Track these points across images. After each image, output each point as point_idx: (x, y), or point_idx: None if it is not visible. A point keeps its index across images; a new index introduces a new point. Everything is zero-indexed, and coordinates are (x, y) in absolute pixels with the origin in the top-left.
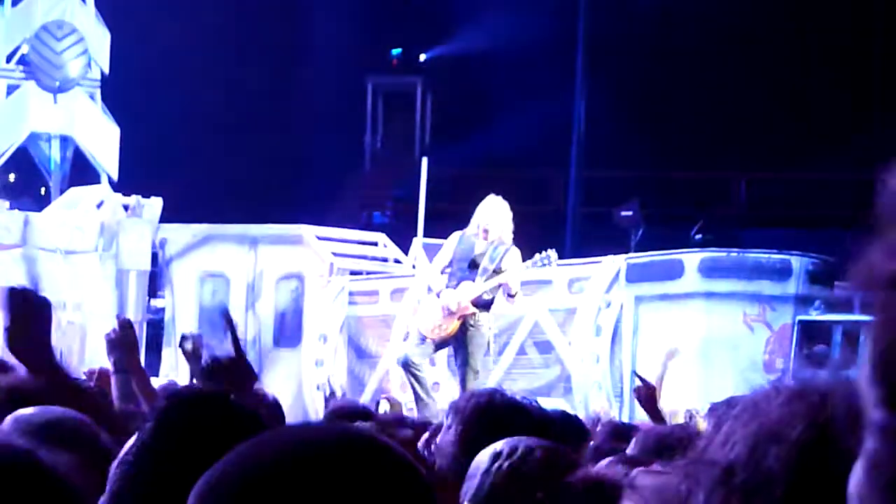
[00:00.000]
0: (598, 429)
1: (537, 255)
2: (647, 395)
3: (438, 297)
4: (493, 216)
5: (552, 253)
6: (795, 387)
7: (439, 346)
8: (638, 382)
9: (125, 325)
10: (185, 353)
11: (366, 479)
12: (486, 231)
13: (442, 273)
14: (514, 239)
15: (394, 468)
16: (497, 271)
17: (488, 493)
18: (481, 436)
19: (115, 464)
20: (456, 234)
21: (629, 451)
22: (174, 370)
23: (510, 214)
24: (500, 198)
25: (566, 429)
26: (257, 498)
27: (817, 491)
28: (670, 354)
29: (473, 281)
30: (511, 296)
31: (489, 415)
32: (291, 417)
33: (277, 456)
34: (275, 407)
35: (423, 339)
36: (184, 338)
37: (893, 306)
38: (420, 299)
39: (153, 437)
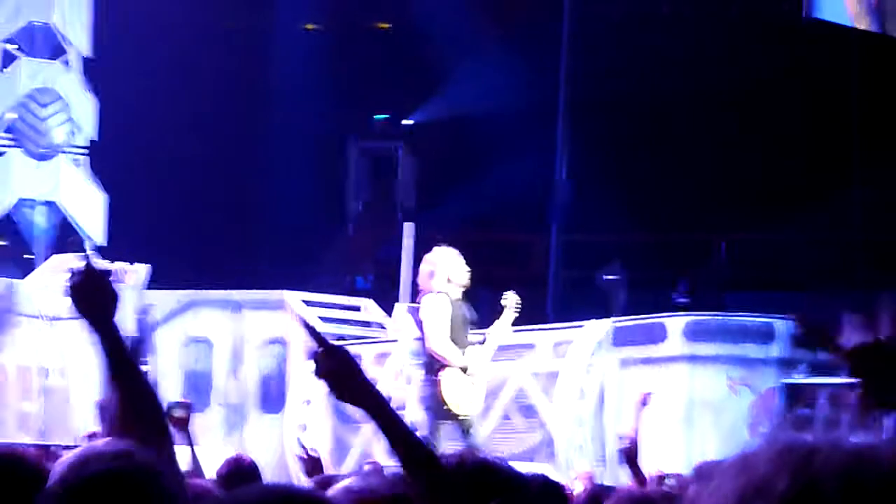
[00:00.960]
0: (576, 493)
1: (505, 300)
2: (631, 454)
3: (465, 372)
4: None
5: (510, 294)
6: (782, 443)
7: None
8: (624, 443)
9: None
10: (172, 420)
11: None
12: (464, 279)
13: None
14: (497, 303)
15: None
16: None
17: None
18: (450, 500)
19: None
20: (443, 300)
21: None
22: None
23: None
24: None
25: (546, 492)
26: None
27: None
28: (642, 401)
29: (468, 342)
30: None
31: (460, 477)
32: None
33: None
34: (252, 469)
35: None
36: (172, 406)
37: None
38: (444, 378)
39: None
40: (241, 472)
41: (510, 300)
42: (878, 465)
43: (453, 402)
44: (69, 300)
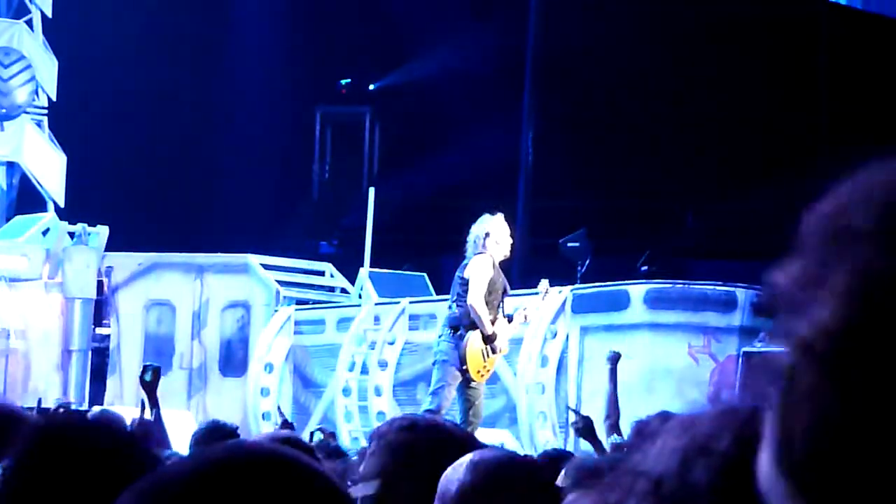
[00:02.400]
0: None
1: (542, 287)
2: (586, 427)
3: (490, 340)
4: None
5: (546, 282)
6: (728, 403)
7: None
8: (573, 417)
9: (151, 368)
10: (143, 383)
11: (284, 495)
12: (507, 252)
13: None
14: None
15: (313, 488)
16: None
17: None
18: (402, 463)
19: None
20: (487, 260)
21: (558, 481)
22: (119, 398)
23: None
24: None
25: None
26: None
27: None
28: (613, 358)
29: (502, 311)
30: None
31: (412, 441)
32: None
33: (188, 476)
34: (232, 433)
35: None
36: (145, 368)
37: (804, 382)
38: (471, 340)
39: (20, 461)
40: (220, 436)
41: (543, 286)
42: None
43: (473, 368)
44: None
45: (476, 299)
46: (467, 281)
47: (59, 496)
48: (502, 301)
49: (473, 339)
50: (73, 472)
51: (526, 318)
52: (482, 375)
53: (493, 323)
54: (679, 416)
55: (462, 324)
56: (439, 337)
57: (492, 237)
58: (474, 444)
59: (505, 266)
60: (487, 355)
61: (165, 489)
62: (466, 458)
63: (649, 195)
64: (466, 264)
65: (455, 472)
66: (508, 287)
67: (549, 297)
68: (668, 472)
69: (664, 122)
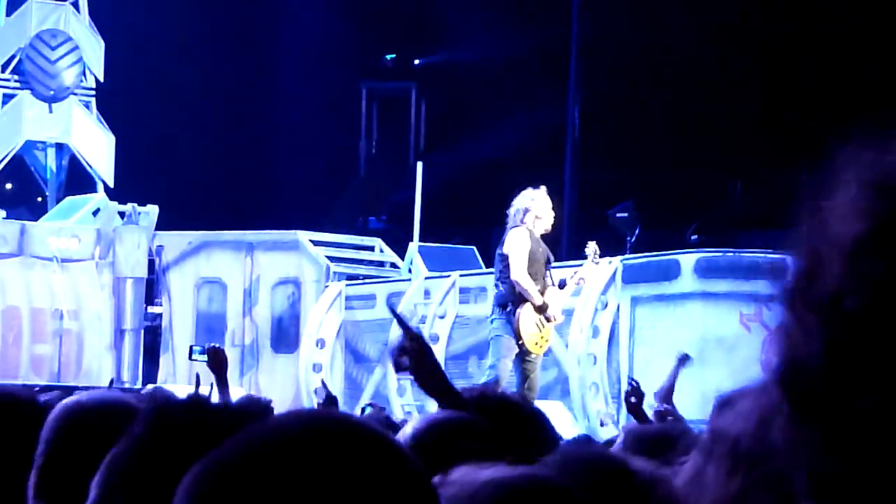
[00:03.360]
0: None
1: (589, 250)
2: (637, 401)
3: (543, 309)
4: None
5: (594, 244)
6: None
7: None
8: (629, 388)
9: (216, 350)
10: (209, 364)
11: (361, 466)
12: (548, 227)
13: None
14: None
15: (390, 459)
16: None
17: None
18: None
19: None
20: (525, 234)
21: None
22: (171, 377)
23: None
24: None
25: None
26: (249, 483)
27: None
28: (682, 359)
29: (550, 279)
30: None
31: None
32: None
33: (265, 444)
34: (268, 410)
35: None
36: (204, 350)
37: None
38: (523, 313)
39: (140, 437)
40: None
41: (591, 249)
42: None
43: (529, 340)
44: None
45: (519, 273)
46: (506, 257)
47: (171, 482)
48: (548, 271)
49: (525, 313)
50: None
51: (580, 282)
52: (540, 347)
53: (541, 294)
54: (752, 382)
55: (510, 300)
56: (491, 315)
57: (532, 212)
58: (538, 416)
59: (554, 238)
60: (542, 326)
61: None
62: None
63: (696, 166)
64: (504, 240)
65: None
66: (552, 257)
67: (599, 260)
68: (745, 433)
69: (709, 92)
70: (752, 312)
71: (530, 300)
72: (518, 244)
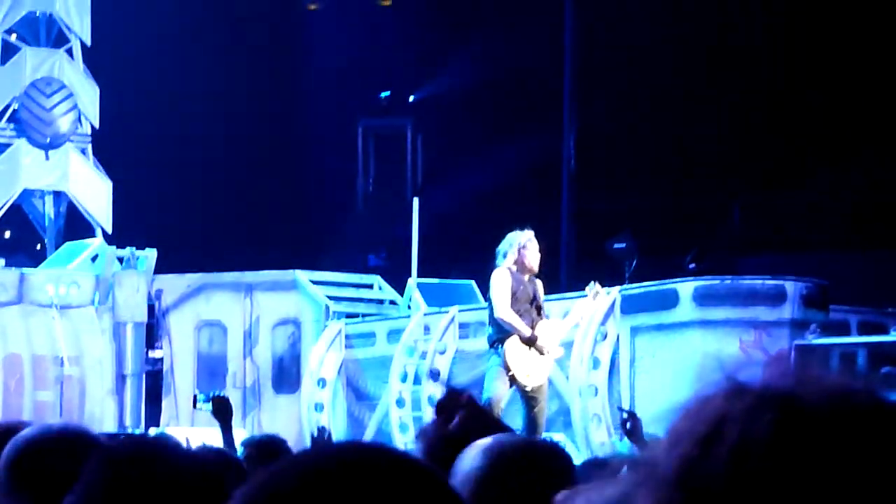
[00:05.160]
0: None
1: (590, 289)
2: (633, 428)
3: (534, 344)
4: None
5: (597, 284)
6: (734, 386)
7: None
8: (624, 416)
9: (221, 399)
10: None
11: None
12: (533, 268)
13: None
14: None
15: (427, 486)
16: (541, 305)
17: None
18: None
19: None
20: (505, 273)
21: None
22: (174, 420)
23: None
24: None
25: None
26: None
27: (754, 487)
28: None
29: (537, 315)
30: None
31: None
32: None
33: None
34: (282, 444)
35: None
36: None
37: None
38: (509, 347)
39: (91, 486)
40: (272, 448)
41: (592, 290)
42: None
43: (519, 372)
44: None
45: (502, 311)
46: (489, 299)
47: None
48: (533, 308)
49: (512, 346)
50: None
51: (579, 320)
52: (531, 378)
53: (532, 328)
54: (688, 402)
55: (498, 338)
56: (486, 355)
57: (512, 254)
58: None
59: (551, 269)
60: (532, 357)
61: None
62: (480, 444)
63: (694, 193)
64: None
65: (467, 459)
66: (540, 294)
67: (599, 298)
68: (680, 459)
69: (705, 118)
70: (751, 339)
71: (518, 333)
72: (497, 284)
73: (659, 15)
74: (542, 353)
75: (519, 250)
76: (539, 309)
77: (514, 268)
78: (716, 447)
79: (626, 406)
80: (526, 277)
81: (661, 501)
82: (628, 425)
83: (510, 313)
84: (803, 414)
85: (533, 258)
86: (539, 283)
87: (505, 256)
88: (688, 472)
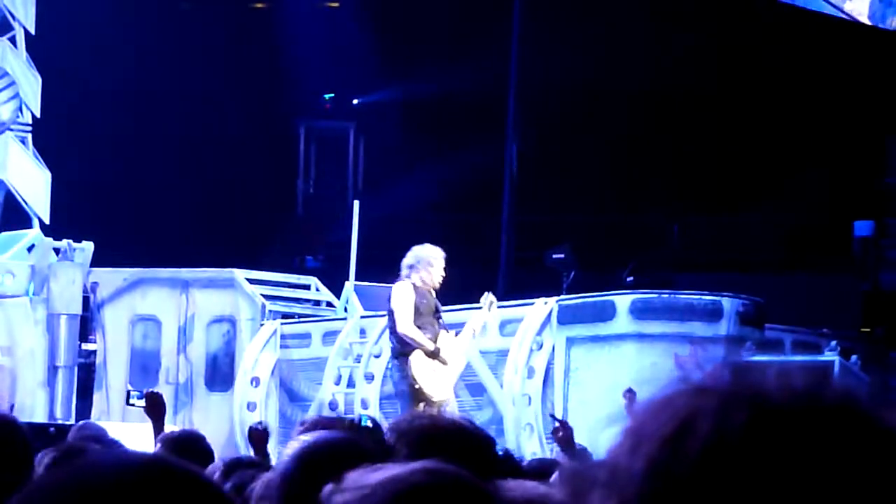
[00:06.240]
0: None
1: (484, 300)
2: (565, 437)
3: (438, 356)
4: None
5: (491, 295)
6: (697, 386)
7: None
8: (556, 424)
9: (154, 395)
10: (146, 410)
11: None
12: (436, 285)
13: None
14: (448, 283)
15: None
16: (441, 316)
17: None
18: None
19: None
20: (408, 287)
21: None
22: (105, 414)
23: None
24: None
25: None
26: None
27: (729, 479)
28: (630, 397)
29: (439, 330)
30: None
31: (432, 436)
32: None
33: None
34: (199, 441)
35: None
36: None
37: None
38: (414, 361)
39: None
40: (189, 445)
41: (487, 300)
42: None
43: (425, 385)
44: None
45: (404, 326)
46: (392, 311)
47: None
48: (436, 320)
49: (417, 359)
50: None
51: (473, 332)
52: (437, 391)
53: (434, 341)
54: (644, 404)
55: (402, 351)
56: (388, 369)
57: (416, 269)
58: (484, 437)
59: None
60: (437, 370)
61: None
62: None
63: (634, 208)
64: (389, 294)
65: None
66: (440, 306)
67: (493, 308)
68: (616, 461)
69: (647, 134)
70: (687, 354)
71: (421, 348)
72: (398, 298)
73: (602, 35)
74: (444, 363)
75: (426, 267)
76: (439, 320)
77: (419, 283)
78: (687, 443)
79: (559, 416)
80: (429, 290)
81: (627, 502)
82: (560, 434)
83: (412, 329)
84: (775, 408)
85: (437, 277)
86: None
87: (411, 269)
88: (657, 470)
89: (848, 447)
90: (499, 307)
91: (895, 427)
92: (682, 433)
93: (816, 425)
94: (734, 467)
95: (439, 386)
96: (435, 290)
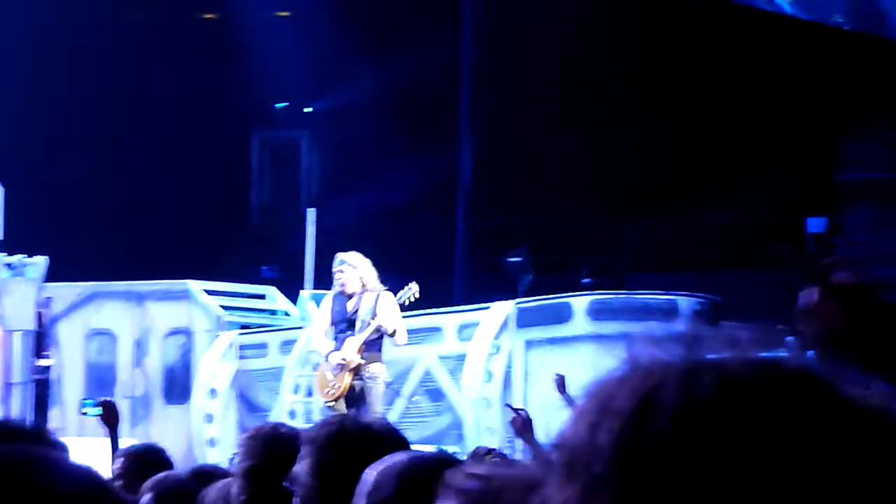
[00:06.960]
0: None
1: (401, 292)
2: (523, 426)
3: (327, 359)
4: (350, 271)
5: (413, 285)
6: (633, 367)
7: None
8: (512, 414)
9: (109, 404)
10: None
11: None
12: (344, 286)
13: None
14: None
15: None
16: (356, 320)
17: None
18: (335, 463)
19: None
20: (328, 298)
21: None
22: (62, 429)
23: (367, 262)
24: (349, 253)
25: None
26: None
27: (643, 464)
28: (559, 382)
29: (348, 335)
30: (391, 335)
31: (342, 441)
32: None
33: None
34: (160, 454)
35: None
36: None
37: None
38: (320, 369)
39: None
40: (150, 458)
41: (410, 291)
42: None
43: (319, 390)
44: None
45: (311, 334)
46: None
47: None
48: (351, 328)
49: (322, 366)
50: None
51: (381, 326)
52: (330, 394)
53: (342, 348)
54: (595, 386)
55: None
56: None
57: (335, 277)
58: (399, 438)
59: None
60: (330, 374)
61: None
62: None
63: (589, 210)
64: None
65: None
66: (362, 311)
67: (411, 299)
68: (576, 439)
69: (602, 137)
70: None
71: (320, 353)
72: (319, 309)
73: (557, 36)
74: (342, 368)
75: (337, 273)
76: (352, 324)
77: (336, 289)
78: (656, 415)
79: None
80: (349, 296)
81: (593, 483)
82: (518, 423)
83: (316, 338)
84: (739, 376)
85: (337, 282)
86: (368, 297)
87: (355, 280)
88: (625, 447)
89: (817, 409)
90: (456, 311)
91: (850, 392)
92: (647, 406)
93: (783, 389)
94: (707, 434)
95: (330, 389)
96: (359, 294)
